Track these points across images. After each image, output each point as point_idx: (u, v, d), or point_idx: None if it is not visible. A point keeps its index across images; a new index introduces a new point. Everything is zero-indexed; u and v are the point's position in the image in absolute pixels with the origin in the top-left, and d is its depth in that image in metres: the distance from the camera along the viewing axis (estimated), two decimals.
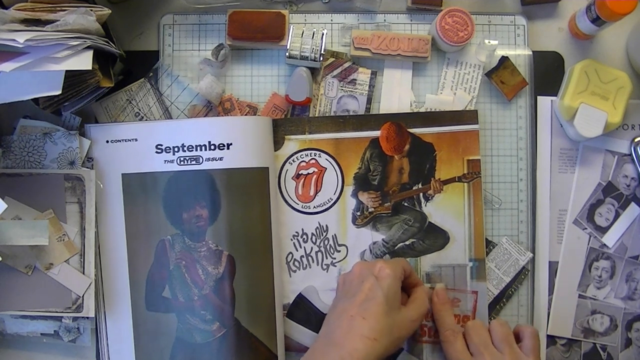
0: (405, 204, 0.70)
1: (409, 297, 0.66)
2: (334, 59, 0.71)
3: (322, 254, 0.70)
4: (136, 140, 0.68)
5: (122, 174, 0.68)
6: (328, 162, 0.70)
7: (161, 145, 0.67)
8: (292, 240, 0.70)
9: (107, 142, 0.68)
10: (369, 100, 0.71)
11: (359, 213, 0.70)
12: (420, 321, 0.64)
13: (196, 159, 0.67)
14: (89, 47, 0.59)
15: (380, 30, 0.71)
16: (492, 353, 0.62)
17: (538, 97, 0.72)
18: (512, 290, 0.70)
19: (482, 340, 0.64)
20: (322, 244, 0.70)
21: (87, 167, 0.68)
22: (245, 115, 0.70)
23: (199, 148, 0.67)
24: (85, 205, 0.67)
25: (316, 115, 0.71)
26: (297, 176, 0.70)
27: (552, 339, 0.70)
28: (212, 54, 0.70)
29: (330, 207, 0.70)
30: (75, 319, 0.67)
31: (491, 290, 0.70)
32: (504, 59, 0.71)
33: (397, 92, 0.71)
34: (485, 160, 0.71)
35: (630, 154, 0.71)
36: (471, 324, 0.66)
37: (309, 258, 0.70)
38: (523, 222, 0.71)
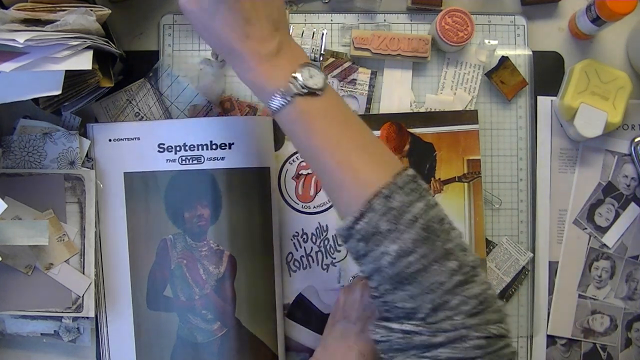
0: None
1: None
2: (334, 59, 0.71)
3: (322, 254, 0.70)
4: (138, 139, 0.68)
5: (124, 173, 0.68)
6: None
7: (163, 144, 0.67)
8: (292, 240, 0.70)
9: (110, 140, 0.68)
10: (369, 100, 0.71)
11: None
12: None
13: (198, 159, 0.67)
14: (89, 47, 0.59)
15: (380, 30, 0.71)
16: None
17: (538, 97, 0.72)
18: (512, 290, 0.70)
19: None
20: (322, 244, 0.70)
21: (87, 167, 0.68)
22: (246, 115, 0.70)
23: (200, 148, 0.67)
24: (85, 205, 0.67)
25: None
26: (297, 176, 0.70)
27: (552, 339, 0.70)
28: (212, 54, 0.70)
29: (330, 207, 0.70)
30: (75, 319, 0.67)
31: None
32: (504, 59, 0.71)
33: (397, 92, 0.71)
34: (485, 160, 0.71)
35: (630, 154, 0.71)
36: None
37: (309, 258, 0.70)
38: (523, 222, 0.71)
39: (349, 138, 0.49)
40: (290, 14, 0.71)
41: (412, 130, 0.70)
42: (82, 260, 0.67)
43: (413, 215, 0.45)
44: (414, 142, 0.70)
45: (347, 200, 0.48)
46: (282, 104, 0.48)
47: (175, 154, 0.67)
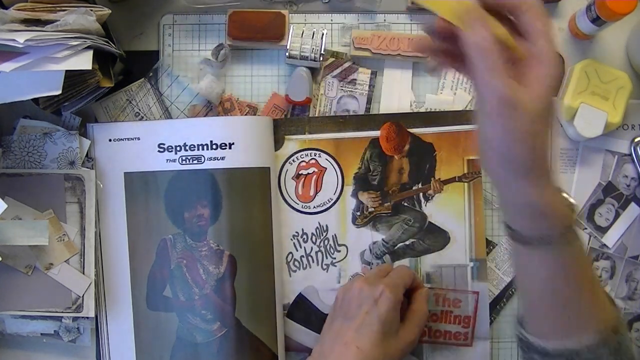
0: (405, 204, 0.70)
1: (409, 303, 0.65)
2: (334, 59, 0.71)
3: (322, 254, 0.70)
4: (138, 139, 0.68)
5: (124, 173, 0.68)
6: (328, 162, 0.70)
7: (163, 144, 0.68)
8: (292, 240, 0.70)
9: (110, 140, 0.68)
10: (369, 100, 0.71)
11: (359, 213, 0.70)
12: (418, 338, 0.64)
13: (198, 159, 0.67)
14: (89, 47, 0.59)
15: (380, 30, 0.71)
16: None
17: None
18: (512, 290, 0.70)
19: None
20: (322, 244, 0.70)
21: (87, 167, 0.68)
22: (246, 115, 0.70)
23: (200, 147, 0.67)
24: (85, 205, 0.67)
25: (316, 115, 0.71)
26: (297, 176, 0.70)
27: None
28: (212, 54, 0.70)
29: (330, 207, 0.70)
30: (75, 319, 0.67)
31: (491, 290, 0.70)
32: None
33: (397, 92, 0.71)
34: None
35: (630, 154, 0.71)
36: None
37: (309, 258, 0.70)
38: None
39: (588, 272, 0.50)
40: (290, 14, 0.71)
41: (412, 130, 0.70)
42: (82, 260, 0.67)
43: (628, 348, 0.48)
44: (414, 142, 0.70)
45: (577, 330, 0.48)
46: (559, 234, 0.45)
47: (176, 154, 0.67)
